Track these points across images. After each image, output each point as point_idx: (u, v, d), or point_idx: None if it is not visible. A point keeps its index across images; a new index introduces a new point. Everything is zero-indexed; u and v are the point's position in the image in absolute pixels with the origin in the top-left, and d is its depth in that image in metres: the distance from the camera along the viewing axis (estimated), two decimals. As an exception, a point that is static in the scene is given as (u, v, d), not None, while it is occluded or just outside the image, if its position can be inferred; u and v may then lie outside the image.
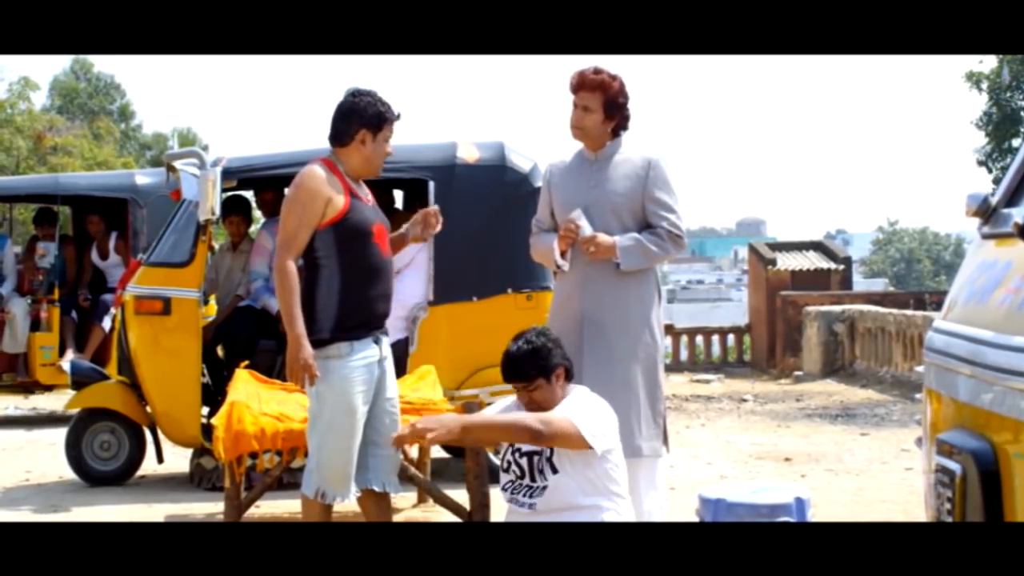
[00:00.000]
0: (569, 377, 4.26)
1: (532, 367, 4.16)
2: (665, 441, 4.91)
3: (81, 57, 40.32)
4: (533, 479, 4.17)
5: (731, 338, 19.39)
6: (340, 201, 4.53)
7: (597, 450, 4.05)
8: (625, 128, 4.92)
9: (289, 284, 4.46)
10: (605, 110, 4.82)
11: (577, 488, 4.09)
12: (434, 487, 5.94)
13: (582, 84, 4.82)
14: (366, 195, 4.70)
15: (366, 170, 4.68)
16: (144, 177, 11.49)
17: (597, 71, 4.83)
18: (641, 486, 4.71)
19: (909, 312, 14.34)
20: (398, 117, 4.66)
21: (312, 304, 4.52)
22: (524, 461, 4.20)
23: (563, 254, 4.83)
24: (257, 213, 9.21)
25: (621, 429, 4.48)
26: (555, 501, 4.10)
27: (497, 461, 4.45)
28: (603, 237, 4.73)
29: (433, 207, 4.99)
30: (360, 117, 4.59)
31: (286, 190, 8.20)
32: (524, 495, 4.15)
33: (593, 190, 4.84)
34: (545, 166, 5.19)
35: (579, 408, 4.11)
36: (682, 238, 4.87)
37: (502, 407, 4.38)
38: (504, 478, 4.25)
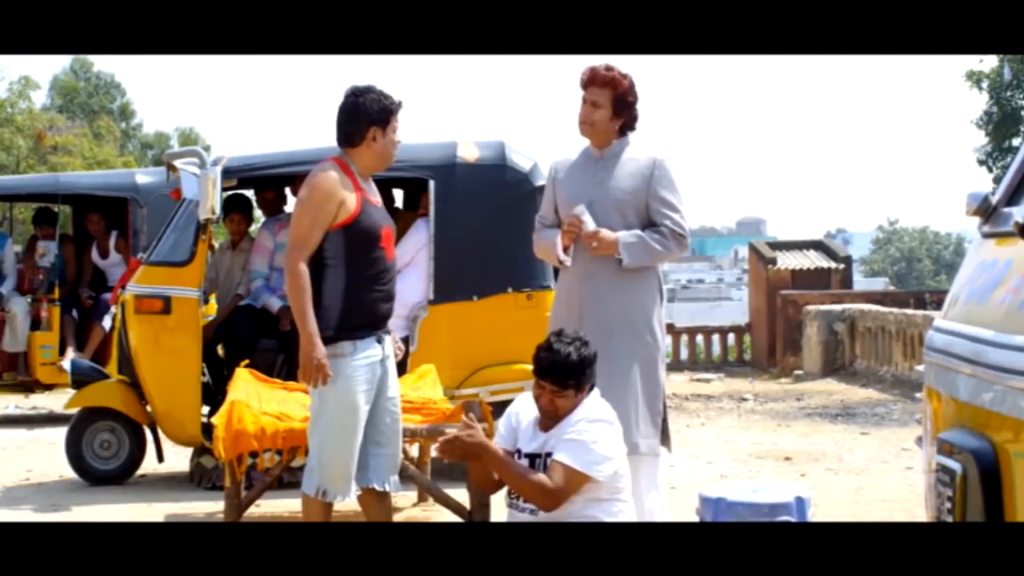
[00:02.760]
0: (591, 389, 4.22)
1: (573, 377, 4.09)
2: (667, 440, 4.91)
3: (81, 56, 40.33)
4: None
5: (731, 337, 19.39)
6: (352, 204, 4.54)
7: (602, 480, 4.05)
8: (632, 128, 4.93)
9: (301, 284, 4.46)
10: (614, 107, 4.84)
11: (579, 499, 4.08)
12: (434, 486, 5.93)
13: (593, 80, 4.84)
14: (375, 196, 4.71)
15: (380, 164, 4.70)
16: (144, 176, 11.49)
17: (609, 68, 4.85)
18: (642, 485, 4.71)
19: (909, 311, 14.34)
20: (401, 104, 4.67)
21: (317, 303, 4.52)
22: (526, 463, 4.19)
23: (566, 249, 4.83)
24: (257, 212, 9.21)
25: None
26: (558, 511, 4.09)
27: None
28: (606, 232, 4.74)
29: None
30: (367, 116, 4.59)
31: (286, 189, 8.30)
32: (525, 500, 4.14)
33: (598, 187, 4.85)
34: (550, 163, 5.20)
35: (584, 438, 4.04)
36: (685, 238, 4.87)
37: (515, 414, 4.34)
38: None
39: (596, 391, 4.24)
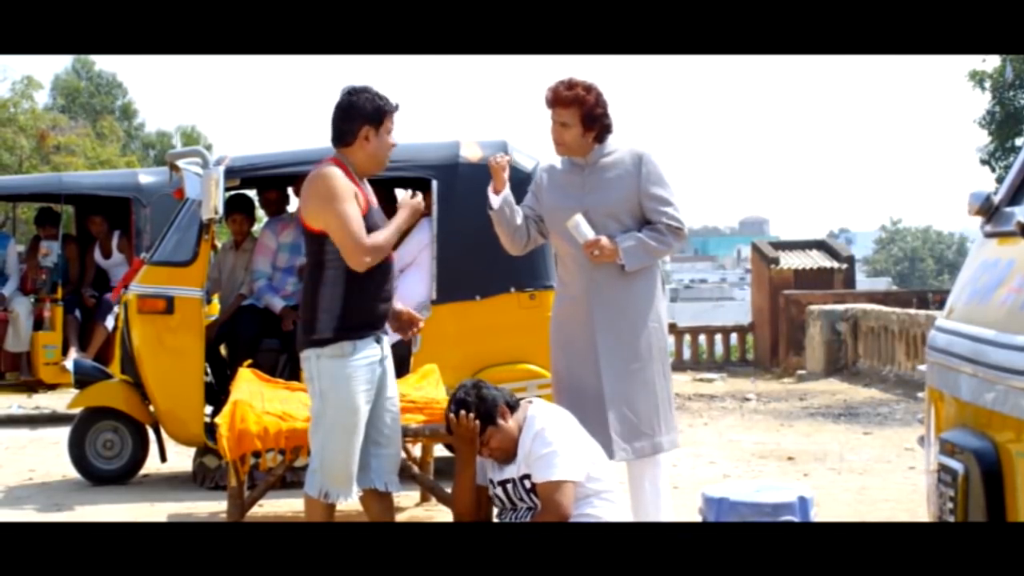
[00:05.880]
0: (513, 409, 4.29)
1: (480, 424, 4.26)
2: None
3: (82, 56, 40.31)
4: (515, 505, 4.23)
5: (734, 337, 19.38)
6: (362, 201, 4.56)
7: (581, 480, 4.13)
8: (609, 132, 4.90)
9: (384, 237, 4.54)
10: (583, 123, 4.80)
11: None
12: (437, 486, 5.94)
13: (556, 101, 4.80)
14: (371, 197, 4.71)
15: (373, 166, 4.69)
16: (147, 176, 11.49)
17: (570, 85, 4.79)
18: (646, 485, 4.74)
19: (912, 311, 14.34)
20: (396, 107, 4.66)
21: (316, 303, 4.53)
22: (500, 491, 4.28)
23: (497, 192, 4.90)
24: (260, 212, 9.21)
25: (643, 428, 4.58)
26: None
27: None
28: (606, 240, 4.74)
29: (415, 327, 4.97)
30: (361, 114, 4.58)
31: (289, 189, 8.29)
32: (512, 519, 4.22)
33: (588, 195, 4.85)
34: (541, 166, 5.22)
35: (551, 449, 4.17)
36: (682, 230, 4.87)
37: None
38: (494, 510, 4.34)
39: (537, 411, 4.33)
